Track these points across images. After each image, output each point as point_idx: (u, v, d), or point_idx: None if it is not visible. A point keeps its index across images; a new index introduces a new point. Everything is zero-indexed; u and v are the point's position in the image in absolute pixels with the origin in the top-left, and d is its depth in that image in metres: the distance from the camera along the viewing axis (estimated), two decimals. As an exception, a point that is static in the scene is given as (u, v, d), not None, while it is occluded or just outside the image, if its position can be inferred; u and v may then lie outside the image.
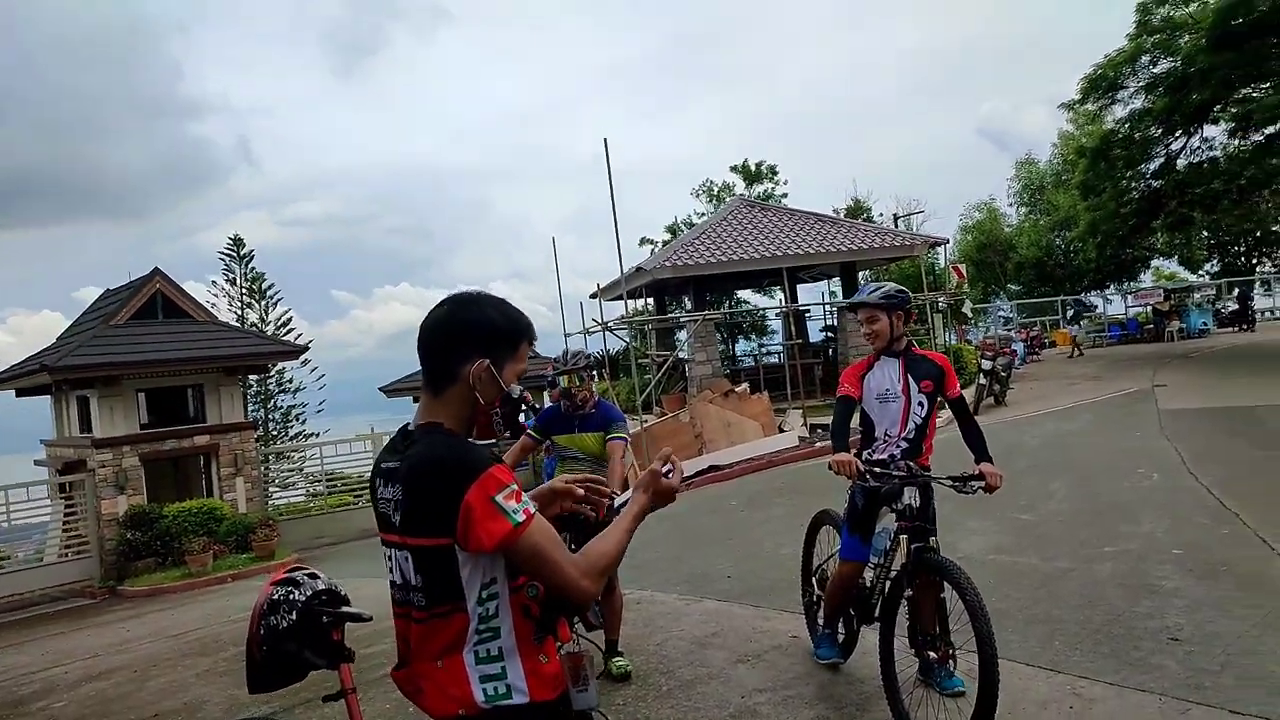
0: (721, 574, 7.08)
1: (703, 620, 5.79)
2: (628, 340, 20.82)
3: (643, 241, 38.21)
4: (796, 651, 4.86)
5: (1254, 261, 38.24)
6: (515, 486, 1.74)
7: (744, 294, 35.00)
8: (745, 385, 19.33)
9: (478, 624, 1.79)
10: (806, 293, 27.66)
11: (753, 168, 38.72)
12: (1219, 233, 37.11)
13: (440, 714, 1.81)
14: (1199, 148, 24.29)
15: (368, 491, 1.97)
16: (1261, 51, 20.09)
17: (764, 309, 34.74)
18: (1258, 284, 34.42)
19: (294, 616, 2.39)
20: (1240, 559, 5.61)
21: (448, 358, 1.86)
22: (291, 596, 2.42)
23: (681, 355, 21.30)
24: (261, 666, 2.43)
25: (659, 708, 4.33)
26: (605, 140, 17.16)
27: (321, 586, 2.48)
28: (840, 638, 4.37)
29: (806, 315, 24.52)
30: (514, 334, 1.91)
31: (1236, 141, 23.28)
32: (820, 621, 4.51)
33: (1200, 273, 38.83)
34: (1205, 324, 28.35)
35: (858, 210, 37.00)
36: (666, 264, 20.40)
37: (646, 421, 17.28)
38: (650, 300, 25.83)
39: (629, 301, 20.46)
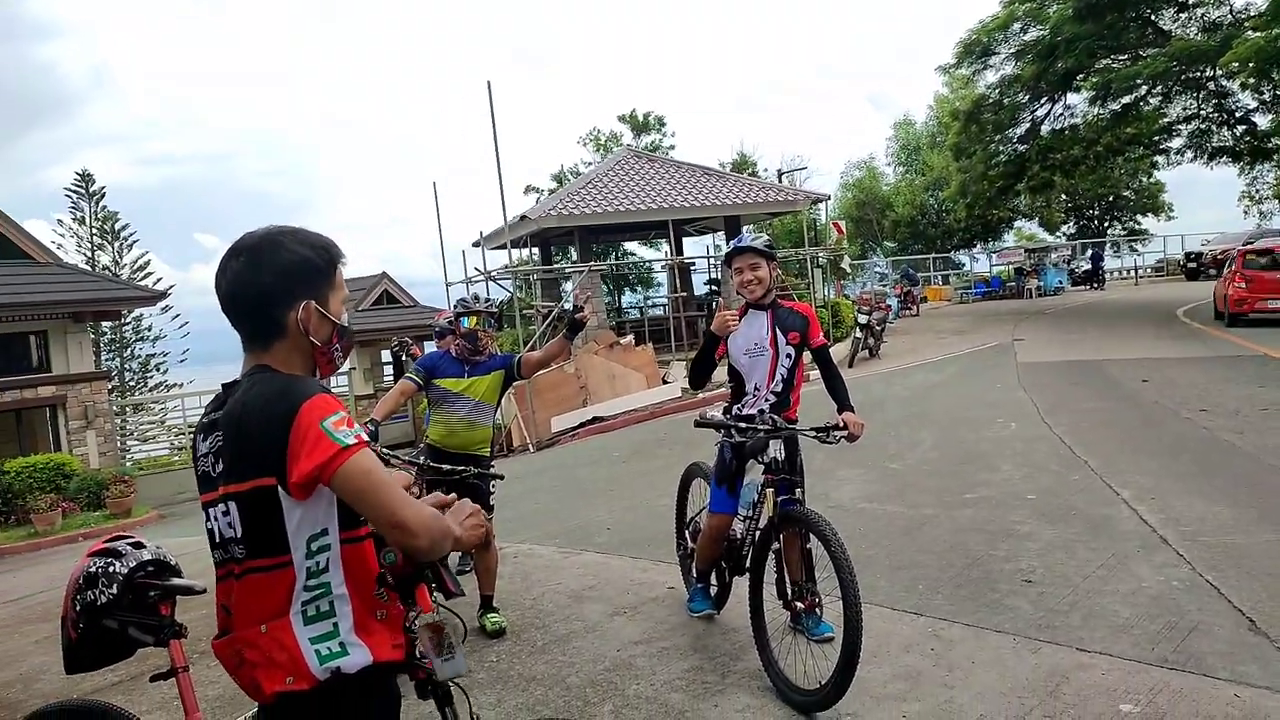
0: (601, 526, 7.05)
1: (581, 573, 5.73)
2: (512, 290, 20.41)
3: (528, 189, 37.40)
4: (673, 603, 4.86)
5: (1105, 225, 40.87)
6: (344, 414, 1.61)
7: (630, 246, 34.86)
8: (630, 337, 19.32)
9: (306, 580, 1.62)
10: (692, 246, 27.77)
11: (640, 118, 38.34)
12: (1076, 196, 39.48)
13: (268, 689, 1.61)
14: (1061, 114, 25.61)
15: None
16: (1120, 24, 21.23)
17: (650, 261, 34.76)
18: (1108, 246, 36.83)
19: (114, 590, 2.15)
20: (1088, 504, 5.96)
21: (268, 312, 1.69)
22: (111, 569, 2.17)
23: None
24: (78, 646, 2.18)
25: (533, 664, 4.25)
26: (489, 84, 16.65)
27: (147, 557, 2.23)
28: (714, 590, 4.38)
29: (691, 268, 24.63)
30: (328, 263, 1.76)
31: (1096, 110, 24.61)
32: (694, 574, 4.51)
33: (1057, 234, 41.26)
34: (1061, 282, 30.21)
35: (743, 165, 37.25)
36: (552, 212, 20.02)
37: (530, 373, 17.03)
38: (535, 250, 25.35)
39: (513, 251, 20.01)
